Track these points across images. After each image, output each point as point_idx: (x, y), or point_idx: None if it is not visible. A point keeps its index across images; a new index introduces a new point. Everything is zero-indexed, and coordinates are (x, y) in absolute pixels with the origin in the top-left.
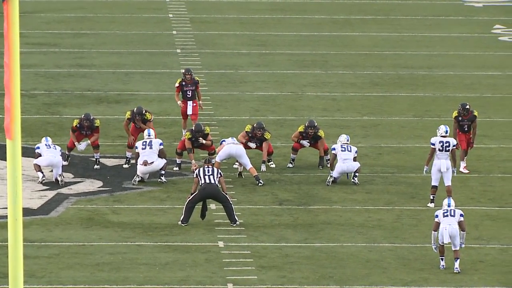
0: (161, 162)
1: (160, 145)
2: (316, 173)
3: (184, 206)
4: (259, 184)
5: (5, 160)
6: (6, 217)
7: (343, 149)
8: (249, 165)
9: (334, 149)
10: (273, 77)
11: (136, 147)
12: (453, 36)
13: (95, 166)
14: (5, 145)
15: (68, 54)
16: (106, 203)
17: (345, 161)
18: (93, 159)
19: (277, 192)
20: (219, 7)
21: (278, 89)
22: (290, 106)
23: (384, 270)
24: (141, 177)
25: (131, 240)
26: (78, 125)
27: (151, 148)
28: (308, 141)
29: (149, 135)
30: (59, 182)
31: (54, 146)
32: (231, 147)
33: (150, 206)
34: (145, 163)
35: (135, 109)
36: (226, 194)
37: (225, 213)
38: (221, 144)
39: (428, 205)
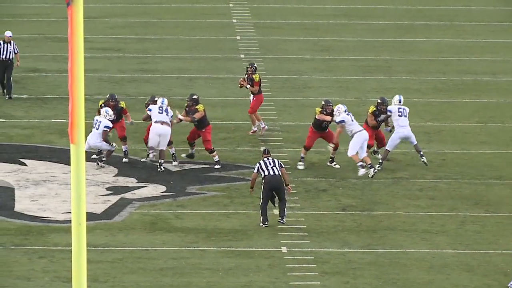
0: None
1: (171, 116)
2: (380, 179)
3: (260, 208)
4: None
5: (69, 164)
6: (70, 221)
7: (400, 113)
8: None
9: (390, 111)
10: (337, 82)
11: (150, 109)
12: None
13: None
14: (69, 149)
15: (132, 59)
16: (169, 208)
17: (404, 128)
18: (156, 163)
19: (340, 198)
20: (283, 12)
21: (342, 95)
22: (353, 111)
23: (447, 276)
24: (151, 150)
25: (195, 245)
26: (103, 105)
27: (167, 114)
28: (384, 115)
29: (162, 103)
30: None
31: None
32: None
33: (213, 211)
34: (162, 122)
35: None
36: (288, 185)
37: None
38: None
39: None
